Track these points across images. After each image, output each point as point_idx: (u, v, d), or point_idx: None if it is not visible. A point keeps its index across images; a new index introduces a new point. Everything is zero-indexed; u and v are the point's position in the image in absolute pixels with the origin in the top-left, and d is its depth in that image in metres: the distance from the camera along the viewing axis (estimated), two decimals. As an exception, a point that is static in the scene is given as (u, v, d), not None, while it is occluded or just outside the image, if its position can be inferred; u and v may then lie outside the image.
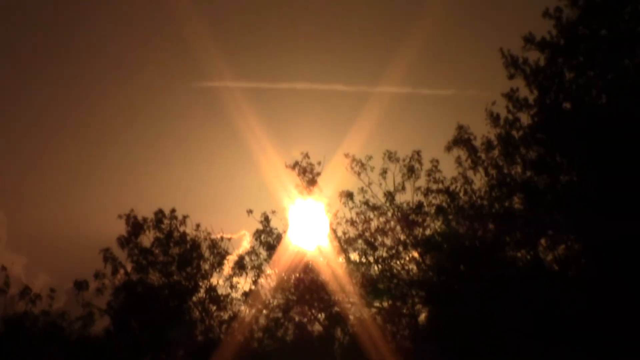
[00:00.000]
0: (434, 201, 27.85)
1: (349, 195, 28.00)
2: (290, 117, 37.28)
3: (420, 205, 27.71)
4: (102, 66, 53.35)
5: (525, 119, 27.77)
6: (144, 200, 30.02)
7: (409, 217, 27.81)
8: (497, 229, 27.47)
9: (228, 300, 28.11)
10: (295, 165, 27.99)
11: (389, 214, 27.90)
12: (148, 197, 32.43)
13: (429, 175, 28.01)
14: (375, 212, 28.08)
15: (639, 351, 26.81)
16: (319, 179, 28.07)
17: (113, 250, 28.48)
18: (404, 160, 28.03)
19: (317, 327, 28.22)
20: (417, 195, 28.09)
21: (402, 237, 28.04)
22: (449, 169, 27.72)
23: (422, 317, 27.97)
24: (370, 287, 27.52)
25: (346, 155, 27.99)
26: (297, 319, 27.96)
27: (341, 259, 27.62)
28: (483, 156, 27.64)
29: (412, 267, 28.09)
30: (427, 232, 27.87)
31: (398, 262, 28.07)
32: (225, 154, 34.41)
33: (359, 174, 28.13)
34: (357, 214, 28.11)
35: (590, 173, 27.61)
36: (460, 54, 35.52)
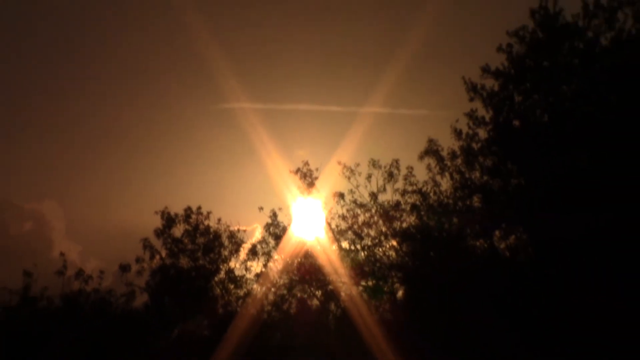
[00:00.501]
0: (409, 200, 28.74)
1: (341, 195, 28.92)
2: (293, 132, 37.83)
3: (398, 203, 28.60)
4: (142, 91, 54.61)
5: (482, 133, 28.60)
6: (175, 199, 30.93)
7: (389, 213, 28.67)
8: (460, 223, 28.30)
9: (243, 280, 29.22)
10: (298, 171, 28.95)
11: (373, 210, 28.79)
12: (178, 196, 33.36)
13: (405, 179, 28.92)
14: (362, 209, 29.01)
15: (579, 321, 26.50)
16: (317, 182, 29.04)
17: (151, 240, 29.36)
18: (385, 167, 28.96)
19: (315, 302, 29.06)
20: (395, 195, 28.95)
21: (384, 229, 28.87)
22: (421, 174, 28.52)
23: (400, 294, 28.67)
24: (358, 269, 28.38)
25: (339, 163, 28.85)
26: (298, 295, 29.01)
27: (334, 247, 28.51)
28: (449, 164, 28.59)
29: (392, 253, 28.86)
30: (404, 225, 28.56)
31: (380, 250, 28.95)
32: (241, 162, 34.98)
33: (349, 178, 29.02)
34: (348, 210, 29.06)
35: (535, 177, 28.09)
36: (431, 81, 36.19)
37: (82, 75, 56.82)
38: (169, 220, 29.18)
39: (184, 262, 29.21)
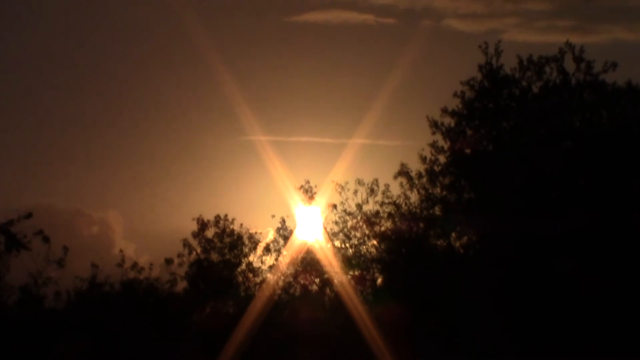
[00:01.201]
0: (386, 210, 29.08)
1: (334, 206, 29.29)
2: (298, 159, 38.41)
3: (377, 212, 28.98)
4: (178, 127, 53.69)
5: (442, 159, 29.03)
6: (207, 209, 31.53)
7: (370, 220, 28.96)
8: (425, 227, 28.74)
9: (259, 270, 29.49)
10: (301, 187, 29.42)
11: (359, 217, 29.11)
12: (209, 207, 34.16)
13: (383, 193, 29.28)
14: (350, 217, 29.27)
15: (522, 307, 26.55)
16: (316, 196, 29.48)
17: (189, 240, 29.65)
18: (367, 184, 29.39)
19: (314, 287, 29.30)
20: (375, 206, 29.26)
21: (367, 232, 29.20)
22: (395, 190, 29.13)
23: (379, 281, 29.13)
24: (347, 262, 28.82)
25: (332, 182, 29.32)
26: (301, 282, 29.20)
27: (329, 246, 28.95)
28: (416, 182, 28.95)
29: (373, 250, 29.29)
30: (382, 229, 28.77)
31: (364, 247, 29.36)
32: (258, 183, 35.40)
33: (340, 193, 29.32)
34: (339, 217, 29.35)
35: (481, 192, 28.74)
36: (403, 119, 36.60)
37: (119, 113, 55.25)
38: (203, 224, 29.41)
39: (214, 257, 29.40)
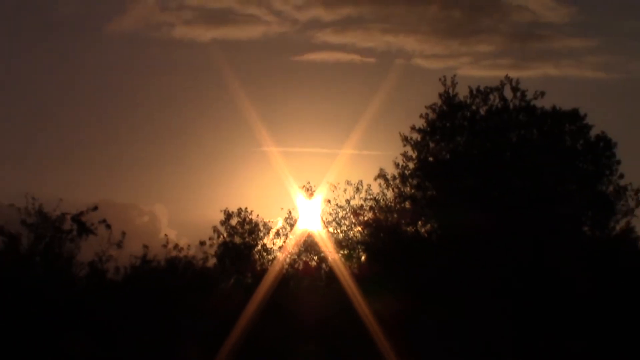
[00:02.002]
0: (368, 204, 29.29)
1: (328, 201, 29.53)
2: (301, 164, 38.44)
3: (361, 206, 29.18)
4: (205, 142, 54.26)
5: (411, 165, 29.17)
6: (232, 203, 31.84)
7: (356, 211, 29.22)
8: (398, 217, 28.84)
9: (271, 251, 29.47)
10: (304, 186, 29.55)
11: (347, 210, 29.44)
12: (233, 201, 34.42)
13: (366, 191, 29.53)
14: (341, 209, 29.59)
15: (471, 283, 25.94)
16: (315, 193, 29.68)
17: (217, 226, 29.72)
18: (354, 184, 29.67)
19: (313, 263, 29.27)
20: (360, 201, 29.55)
21: (353, 221, 29.49)
22: (375, 189, 29.32)
23: (363, 258, 29.15)
24: (338, 244, 29.03)
25: (328, 182, 29.49)
26: (303, 259, 29.24)
27: (325, 231, 29.08)
28: (391, 183, 29.07)
29: (358, 235, 29.49)
30: (365, 218, 28.85)
31: (351, 233, 29.59)
32: (270, 183, 35.53)
33: (333, 191, 29.54)
34: (332, 209, 29.65)
35: (441, 190, 28.79)
36: (382, 134, 37.09)
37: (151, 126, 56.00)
38: (228, 215, 29.55)
39: (237, 239, 29.42)
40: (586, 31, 48.59)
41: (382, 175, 29.51)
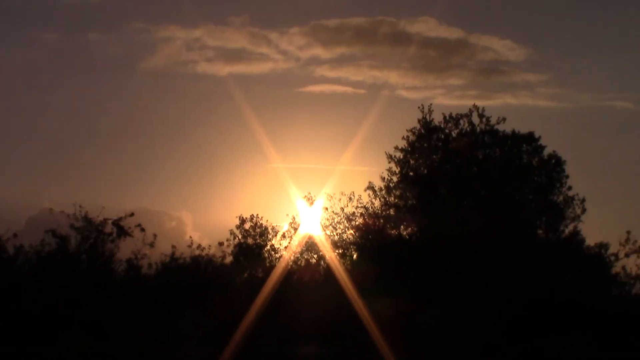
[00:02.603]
0: (359, 211, 29.12)
1: (326, 208, 29.36)
2: (304, 178, 38.39)
3: (353, 213, 29.02)
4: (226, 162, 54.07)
5: (395, 179, 29.07)
6: (245, 210, 31.85)
7: (349, 217, 29.12)
8: (383, 222, 28.69)
9: (279, 250, 29.30)
10: (305, 196, 29.39)
11: (341, 216, 29.22)
12: (247, 209, 34.53)
13: (357, 200, 29.34)
14: (336, 215, 29.37)
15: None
16: (315, 202, 29.50)
17: (234, 230, 29.46)
18: (347, 195, 29.48)
19: (313, 261, 28.87)
20: (352, 209, 29.40)
21: (347, 225, 29.31)
22: (365, 198, 29.07)
23: (354, 257, 28.90)
24: (334, 244, 28.78)
25: (325, 193, 29.30)
26: (305, 257, 28.86)
27: (323, 234, 28.86)
28: (378, 193, 28.98)
29: (350, 237, 29.22)
30: (356, 223, 28.75)
31: (345, 235, 29.27)
32: (278, 193, 35.50)
33: (330, 200, 29.36)
34: (329, 216, 29.45)
35: (420, 199, 28.53)
36: (370, 153, 36.94)
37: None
38: (242, 220, 29.36)
39: (249, 241, 29.21)
40: (539, 68, 48.28)
41: (370, 187, 29.48)
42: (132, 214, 25.78)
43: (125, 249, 26.25)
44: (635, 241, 26.97)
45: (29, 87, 52.82)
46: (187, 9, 48.57)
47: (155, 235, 26.16)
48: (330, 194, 29.89)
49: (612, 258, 27.41)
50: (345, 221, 29.50)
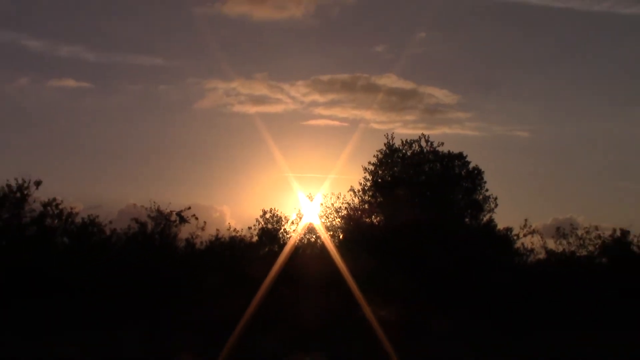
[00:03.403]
0: (344, 206, 29.14)
1: (321, 204, 29.50)
2: (307, 183, 37.46)
3: (340, 207, 29.18)
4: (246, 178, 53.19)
5: (368, 184, 29.60)
6: (266, 205, 30.68)
7: (337, 210, 29.20)
8: (360, 213, 28.87)
9: (289, 232, 28.77)
10: (307, 196, 29.36)
11: (332, 209, 29.24)
12: (267, 204, 32.85)
13: (343, 198, 29.48)
14: (328, 209, 29.36)
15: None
16: (314, 199, 29.38)
17: (258, 218, 28.96)
18: (336, 194, 29.46)
19: (312, 240, 28.52)
20: (339, 204, 29.44)
21: (335, 216, 29.25)
22: (348, 197, 29.21)
23: (341, 237, 28.65)
24: (326, 228, 28.59)
25: (321, 193, 29.46)
26: (307, 237, 28.62)
27: (319, 221, 28.74)
28: (357, 194, 29.30)
29: (338, 223, 29.07)
30: (342, 213, 28.90)
31: (334, 222, 29.13)
32: (288, 195, 35.32)
33: (324, 198, 29.49)
34: (324, 209, 29.39)
35: (385, 197, 28.97)
36: (352, 166, 35.12)
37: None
38: (264, 212, 29.03)
39: (269, 226, 28.84)
40: (465, 108, 50.91)
41: (352, 189, 29.83)
42: (189, 207, 25.77)
43: (184, 232, 26.17)
44: (530, 226, 27.08)
45: (123, 122, 53.82)
46: (226, 68, 50.93)
47: (204, 222, 26.13)
48: (325, 194, 30.38)
49: (515, 237, 27.65)
50: (335, 213, 29.61)
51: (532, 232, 26.87)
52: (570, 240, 26.50)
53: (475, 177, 28.65)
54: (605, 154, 49.12)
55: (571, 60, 52.65)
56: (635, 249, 26.34)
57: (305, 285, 22.20)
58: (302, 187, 30.05)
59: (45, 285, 20.82)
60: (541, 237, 26.90)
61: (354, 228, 28.03)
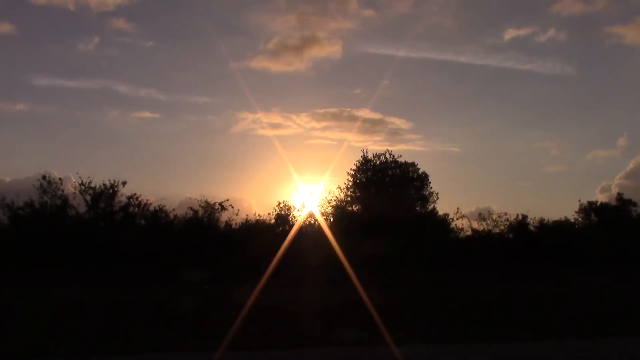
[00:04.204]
0: (333, 198, 28.99)
1: (318, 197, 29.15)
2: (309, 184, 34.08)
3: (331, 199, 28.88)
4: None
5: (350, 184, 29.69)
6: (281, 198, 29.97)
7: (329, 201, 28.40)
8: (344, 203, 29.22)
9: (296, 217, 27.71)
10: (309, 192, 28.76)
11: (325, 200, 28.98)
12: (282, 198, 31.34)
13: (333, 193, 29.80)
14: (323, 200, 29.09)
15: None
16: (313, 194, 28.71)
17: (275, 207, 28.22)
18: (328, 191, 29.40)
19: (312, 222, 27.38)
20: (330, 197, 29.58)
21: (328, 205, 28.77)
22: (336, 193, 28.91)
23: (332, 220, 27.49)
24: (321, 214, 28.00)
25: (318, 190, 29.14)
26: (308, 220, 27.41)
27: (317, 209, 28.27)
28: (342, 190, 29.33)
29: (329, 210, 28.47)
30: (332, 204, 29.34)
31: (327, 210, 28.47)
32: (295, 191, 32.41)
33: (320, 193, 29.12)
34: (320, 201, 29.10)
35: (361, 192, 28.69)
36: (340, 172, 33.78)
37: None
38: (279, 203, 28.28)
39: (282, 212, 27.99)
40: (416, 131, 53.72)
41: (339, 187, 30.13)
42: (227, 200, 26.50)
43: (224, 216, 26.56)
44: (461, 212, 28.06)
45: (182, 141, 54.53)
46: (252, 104, 54.19)
47: (238, 210, 26.81)
48: (320, 190, 29.71)
49: (450, 220, 28.46)
50: (327, 203, 29.82)
51: (462, 217, 28.01)
52: (488, 222, 27.91)
53: (423, 179, 29.47)
54: (510, 162, 53.56)
55: (486, 100, 58.29)
56: (531, 228, 27.92)
57: (305, 249, 21.94)
58: (304, 186, 29.90)
59: (127, 254, 21.99)
60: (468, 220, 28.05)
61: (340, 214, 28.37)
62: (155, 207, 25.33)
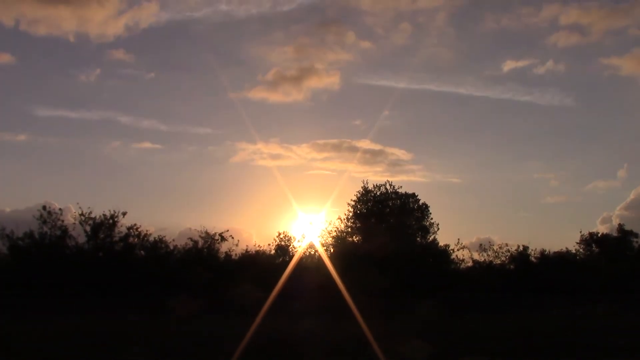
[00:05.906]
0: (334, 229, 29.33)
1: (318, 228, 28.77)
2: (309, 215, 33.58)
3: (331, 230, 28.40)
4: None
5: (350, 215, 29.34)
6: (281, 229, 30.32)
7: (329, 232, 29.24)
8: (345, 234, 28.63)
9: (297, 248, 27.44)
10: (309, 222, 28.40)
11: (326, 231, 28.39)
12: (282, 228, 31.79)
13: (333, 224, 29.49)
14: (323, 231, 28.73)
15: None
16: (313, 225, 28.36)
17: (275, 238, 28.73)
18: (329, 222, 29.66)
19: (312, 253, 27.19)
20: (331, 227, 29.38)
21: (328, 235, 27.99)
22: (337, 223, 28.78)
23: (332, 250, 27.12)
24: (322, 245, 27.48)
25: (318, 221, 28.78)
26: (308, 251, 27.21)
27: (317, 240, 27.89)
28: (343, 221, 29.55)
29: (329, 241, 28.90)
30: (332, 235, 28.84)
31: (327, 240, 28.03)
32: (295, 222, 32.19)
33: (320, 224, 28.76)
34: (320, 231, 28.75)
35: (362, 224, 28.28)
36: (340, 203, 33.34)
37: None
38: (279, 233, 28.10)
39: (282, 243, 28.00)
40: (417, 163, 54.62)
41: (339, 218, 30.03)
42: (227, 230, 26.59)
43: (224, 247, 26.59)
44: (462, 244, 27.89)
45: (183, 171, 56.03)
46: (252, 135, 54.75)
47: (238, 240, 26.81)
48: (320, 221, 29.54)
49: (451, 251, 28.25)
50: (327, 234, 29.68)
51: (463, 247, 27.90)
52: (489, 253, 27.98)
53: (424, 209, 29.28)
54: (510, 193, 54.18)
55: (486, 131, 59.04)
56: (532, 259, 28.04)
57: (306, 284, 21.80)
58: (305, 216, 29.73)
59: (126, 283, 22.50)
60: (469, 251, 28.06)
61: (341, 245, 28.15)
62: (155, 238, 25.53)
